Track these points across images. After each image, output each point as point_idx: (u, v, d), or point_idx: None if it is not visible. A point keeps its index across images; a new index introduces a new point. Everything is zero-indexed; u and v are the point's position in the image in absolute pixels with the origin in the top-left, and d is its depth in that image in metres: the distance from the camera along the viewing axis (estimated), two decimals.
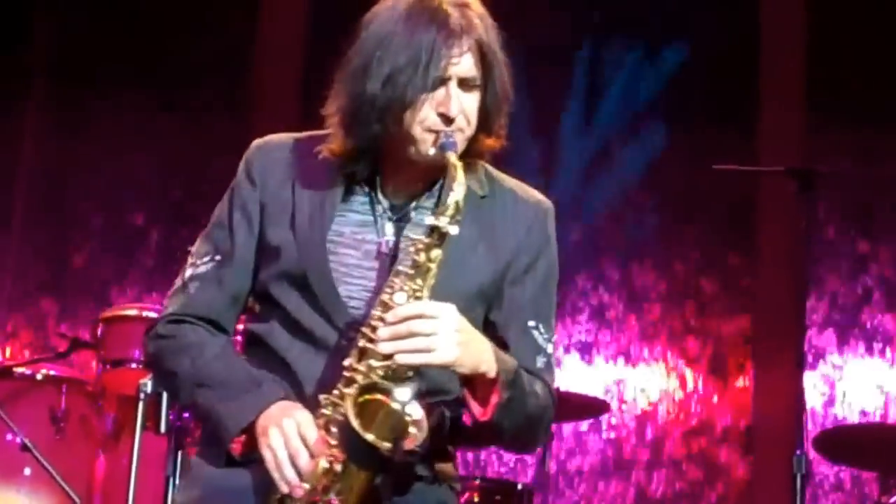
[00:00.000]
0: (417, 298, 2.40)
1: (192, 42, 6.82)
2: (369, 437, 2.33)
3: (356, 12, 2.57)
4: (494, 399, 2.46)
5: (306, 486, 2.38)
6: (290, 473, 2.38)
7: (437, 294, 2.43)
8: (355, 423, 2.33)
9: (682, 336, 6.64)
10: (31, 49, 6.92)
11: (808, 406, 6.09)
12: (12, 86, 6.83)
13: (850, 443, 5.06)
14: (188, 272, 2.60)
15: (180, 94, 6.81)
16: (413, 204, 2.58)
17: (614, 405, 6.47)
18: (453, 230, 2.41)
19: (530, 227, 2.61)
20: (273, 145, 2.64)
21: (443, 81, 2.45)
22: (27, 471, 5.01)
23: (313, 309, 2.50)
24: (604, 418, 6.46)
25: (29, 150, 6.85)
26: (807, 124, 6.56)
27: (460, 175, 2.43)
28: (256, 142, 2.65)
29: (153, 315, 5.13)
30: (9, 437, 4.98)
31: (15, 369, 5.26)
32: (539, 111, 6.47)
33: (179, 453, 4.34)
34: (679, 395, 6.61)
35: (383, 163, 2.56)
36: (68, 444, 5.11)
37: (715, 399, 6.59)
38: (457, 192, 2.42)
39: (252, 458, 2.44)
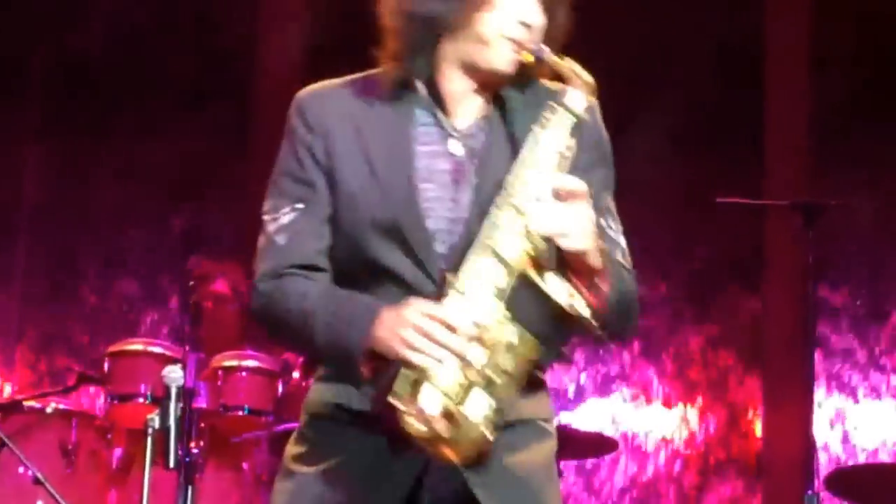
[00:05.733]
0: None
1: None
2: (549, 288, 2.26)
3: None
4: (605, 287, 2.37)
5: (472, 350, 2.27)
6: (449, 339, 2.26)
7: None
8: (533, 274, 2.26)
9: (688, 371, 6.60)
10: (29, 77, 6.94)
11: (820, 444, 6.03)
12: (11, 115, 6.84)
13: (865, 483, 4.95)
14: (270, 228, 2.49)
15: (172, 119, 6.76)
16: (477, 122, 2.48)
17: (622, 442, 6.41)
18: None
19: (583, 124, 2.47)
20: (322, 92, 2.53)
21: None
22: None
23: (404, 254, 2.40)
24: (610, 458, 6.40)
25: (30, 183, 6.85)
26: (813, 159, 6.51)
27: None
28: (302, 92, 2.54)
29: (159, 350, 5.20)
30: (20, 469, 4.90)
31: (25, 403, 5.21)
32: None
33: (189, 489, 4.32)
34: (685, 432, 6.56)
35: (441, 73, 2.47)
36: (79, 477, 5.07)
37: (724, 436, 6.54)
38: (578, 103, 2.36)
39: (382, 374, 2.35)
